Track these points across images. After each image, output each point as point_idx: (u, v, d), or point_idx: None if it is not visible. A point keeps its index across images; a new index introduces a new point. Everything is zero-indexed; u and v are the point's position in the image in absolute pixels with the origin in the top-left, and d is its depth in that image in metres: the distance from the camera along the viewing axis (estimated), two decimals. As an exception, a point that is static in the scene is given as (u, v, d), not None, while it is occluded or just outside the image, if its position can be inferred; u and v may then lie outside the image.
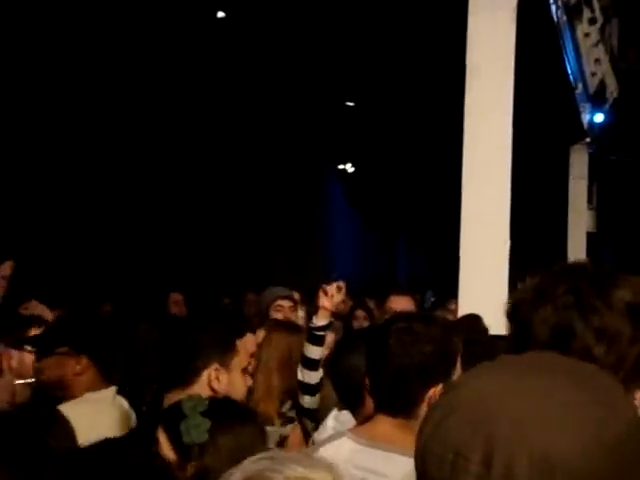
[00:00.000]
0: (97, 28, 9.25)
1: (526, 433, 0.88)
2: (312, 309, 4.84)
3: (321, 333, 4.01)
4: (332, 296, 4.15)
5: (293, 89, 12.03)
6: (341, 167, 18.59)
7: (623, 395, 0.96)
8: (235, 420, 2.18)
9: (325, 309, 4.10)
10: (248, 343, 3.03)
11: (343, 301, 4.48)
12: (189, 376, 2.67)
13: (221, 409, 2.20)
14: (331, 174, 18.39)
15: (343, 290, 4.23)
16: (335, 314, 6.22)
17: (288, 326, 4.59)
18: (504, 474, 0.88)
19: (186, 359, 2.69)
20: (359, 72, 11.43)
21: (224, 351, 2.72)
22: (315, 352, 3.93)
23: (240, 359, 2.75)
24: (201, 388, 2.62)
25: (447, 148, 6.35)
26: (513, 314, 1.56)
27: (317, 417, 3.72)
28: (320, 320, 4.05)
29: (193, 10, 9.59)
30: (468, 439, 0.90)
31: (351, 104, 13.93)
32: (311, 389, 3.88)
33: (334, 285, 4.19)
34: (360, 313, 6.81)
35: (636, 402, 1.43)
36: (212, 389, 2.64)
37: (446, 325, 2.63)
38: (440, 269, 13.94)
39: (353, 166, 18.58)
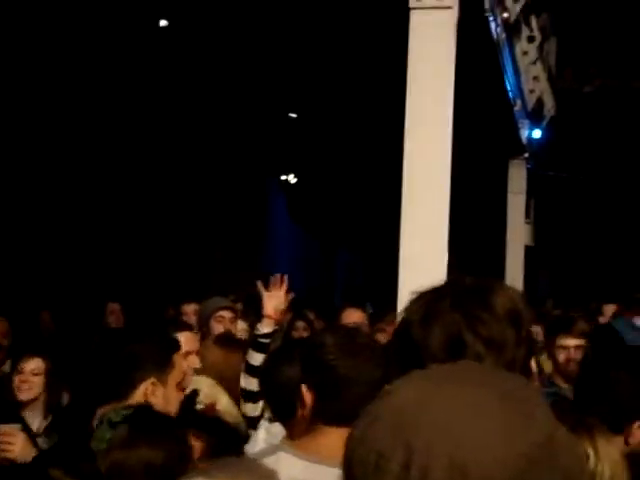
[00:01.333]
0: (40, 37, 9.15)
1: (443, 440, 0.92)
2: (253, 319, 4.86)
3: (266, 341, 4.05)
4: (277, 289, 4.21)
5: (236, 100, 12.02)
6: (284, 178, 18.62)
7: (543, 406, 1.00)
8: (143, 437, 2.14)
9: (270, 317, 4.15)
10: (183, 340, 3.03)
11: (283, 312, 4.55)
12: (125, 389, 2.62)
13: (138, 424, 2.17)
14: (274, 185, 18.40)
15: (287, 293, 4.28)
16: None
17: (229, 340, 4.62)
18: (421, 477, 0.91)
19: (123, 371, 2.64)
20: (302, 84, 11.48)
21: (162, 365, 2.68)
22: (259, 359, 3.95)
23: (175, 374, 2.73)
24: (136, 401, 2.58)
25: (387, 161, 6.42)
26: (403, 334, 1.62)
27: (258, 425, 3.74)
28: (265, 327, 4.11)
29: (135, 18, 9.53)
30: (390, 443, 0.94)
31: (294, 115, 13.97)
32: (253, 396, 3.90)
33: (278, 277, 4.27)
34: (300, 324, 6.85)
35: None
36: (148, 403, 2.60)
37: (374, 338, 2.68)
38: (379, 281, 14.03)
39: (296, 177, 18.63)
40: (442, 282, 1.69)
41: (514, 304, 1.58)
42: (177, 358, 2.76)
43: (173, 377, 2.71)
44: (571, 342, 4.74)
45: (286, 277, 4.34)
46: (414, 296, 1.68)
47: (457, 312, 1.56)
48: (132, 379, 2.63)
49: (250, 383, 3.92)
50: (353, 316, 5.75)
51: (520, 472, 0.92)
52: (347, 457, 1.00)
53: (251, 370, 3.96)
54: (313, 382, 2.38)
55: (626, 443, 2.85)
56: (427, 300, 1.63)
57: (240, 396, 3.99)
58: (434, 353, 1.52)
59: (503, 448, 0.92)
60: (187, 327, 3.80)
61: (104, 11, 8.99)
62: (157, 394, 2.63)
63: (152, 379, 2.64)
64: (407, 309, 1.66)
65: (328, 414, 2.33)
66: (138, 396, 2.62)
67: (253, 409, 3.91)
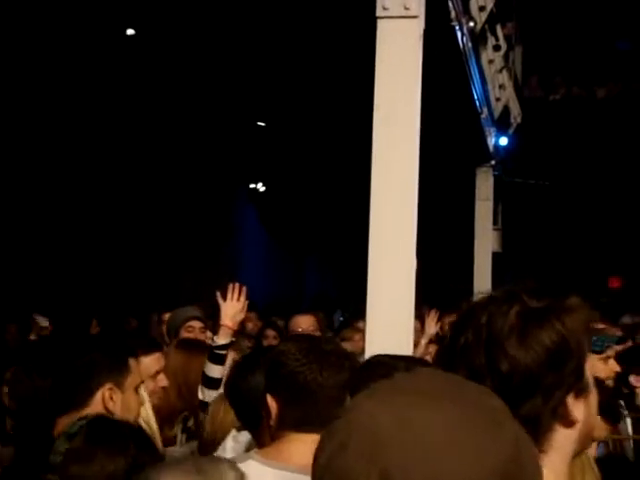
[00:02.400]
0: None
1: (418, 462, 0.93)
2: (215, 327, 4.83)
3: (222, 352, 4.02)
4: (234, 297, 4.18)
5: (204, 108, 12.01)
6: (252, 186, 18.62)
7: (509, 416, 1.01)
8: (99, 448, 2.13)
9: (227, 327, 4.12)
10: (153, 362, 3.01)
11: (250, 319, 4.52)
12: (82, 397, 2.61)
13: (91, 434, 2.16)
14: (243, 193, 18.40)
15: (245, 303, 4.25)
16: (245, 334, 6.21)
17: (190, 344, 4.59)
18: None
19: (78, 379, 2.63)
20: (270, 92, 11.49)
21: (118, 371, 2.67)
22: (216, 371, 3.94)
23: (133, 379, 2.72)
24: (96, 409, 2.57)
25: (356, 168, 6.45)
26: (447, 335, 1.53)
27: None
28: (221, 339, 4.07)
29: (103, 27, 9.51)
30: (364, 470, 0.94)
31: (262, 124, 13.99)
32: None
33: (236, 286, 4.23)
34: (270, 332, 6.83)
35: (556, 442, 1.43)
36: (107, 409, 2.59)
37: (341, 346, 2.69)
38: (349, 289, 14.07)
39: (264, 185, 18.64)
40: (503, 289, 1.55)
41: (560, 341, 1.42)
42: (133, 363, 2.76)
43: (130, 382, 2.70)
44: None
45: (245, 287, 4.30)
46: (471, 300, 1.54)
47: (484, 332, 1.43)
48: (88, 386, 2.62)
49: (207, 395, 3.90)
50: (301, 323, 5.67)
51: None
52: None
53: (208, 382, 3.94)
54: (278, 390, 2.38)
55: None
56: (469, 308, 1.49)
57: (198, 407, 3.97)
58: (458, 370, 1.40)
59: (478, 465, 0.93)
60: (156, 347, 3.77)
61: (73, 20, 8.96)
62: (115, 400, 2.63)
63: (109, 385, 2.63)
64: (459, 313, 1.54)
65: (295, 421, 2.33)
66: (96, 403, 2.61)
67: None
